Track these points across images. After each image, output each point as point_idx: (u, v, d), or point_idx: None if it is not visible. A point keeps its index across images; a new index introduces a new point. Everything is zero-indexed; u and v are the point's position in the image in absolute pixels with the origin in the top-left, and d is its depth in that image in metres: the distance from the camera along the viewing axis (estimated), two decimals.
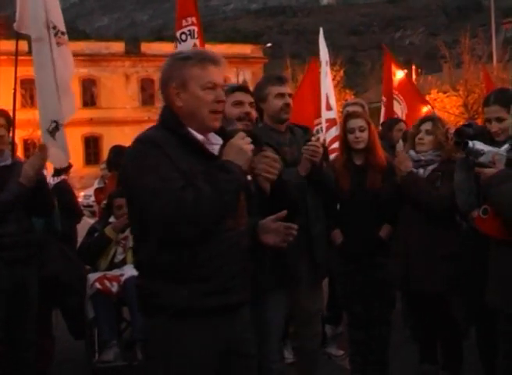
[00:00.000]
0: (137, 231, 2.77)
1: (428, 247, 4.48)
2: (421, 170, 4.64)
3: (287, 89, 4.37)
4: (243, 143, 2.67)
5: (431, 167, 4.63)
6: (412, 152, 4.71)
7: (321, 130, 7.86)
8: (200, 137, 2.76)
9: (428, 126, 4.70)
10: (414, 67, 42.38)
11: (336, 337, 5.99)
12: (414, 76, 35.66)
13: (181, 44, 6.27)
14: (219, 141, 2.82)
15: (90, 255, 5.64)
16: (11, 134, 4.75)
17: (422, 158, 4.65)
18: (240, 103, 3.85)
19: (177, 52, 2.99)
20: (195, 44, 6.16)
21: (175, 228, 2.53)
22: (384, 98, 9.15)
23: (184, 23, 6.27)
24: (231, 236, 2.73)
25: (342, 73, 39.68)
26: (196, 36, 6.23)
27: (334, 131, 7.47)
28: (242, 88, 4.02)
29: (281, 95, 4.32)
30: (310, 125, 7.38)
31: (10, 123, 4.52)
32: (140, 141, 2.70)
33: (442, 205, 4.45)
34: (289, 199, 3.32)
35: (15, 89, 5.56)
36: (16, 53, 5.27)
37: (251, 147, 2.71)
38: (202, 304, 2.64)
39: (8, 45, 41.62)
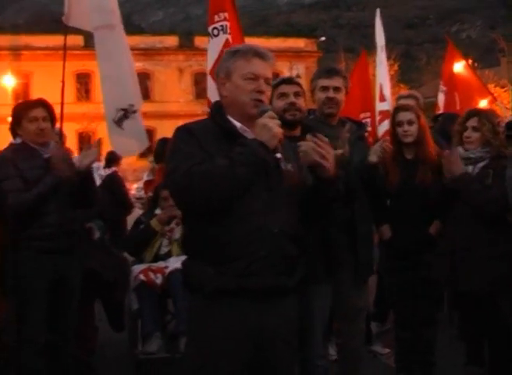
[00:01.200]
0: (182, 214, 2.99)
1: (477, 246, 4.32)
2: (470, 168, 4.46)
3: (335, 82, 4.29)
4: (268, 121, 2.73)
5: (480, 164, 4.46)
6: (460, 150, 4.53)
7: (368, 125, 7.73)
8: (238, 124, 2.87)
9: (474, 122, 4.50)
10: (471, 61, 41.50)
11: (382, 335, 5.90)
12: None
13: (213, 39, 6.28)
14: None
15: (135, 247, 5.67)
16: (58, 127, 4.79)
17: (471, 155, 4.48)
18: (284, 95, 3.93)
19: (230, 48, 3.19)
20: (227, 40, 6.14)
21: (188, 198, 2.69)
22: (444, 87, 8.99)
23: (216, 18, 6.25)
24: (258, 218, 2.73)
25: (396, 67, 39.17)
26: (228, 31, 6.19)
27: (387, 124, 7.31)
28: (286, 80, 4.08)
29: (325, 88, 4.27)
30: (356, 118, 7.28)
31: (53, 115, 4.55)
32: (176, 129, 2.92)
33: (496, 207, 4.27)
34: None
35: (63, 82, 5.61)
36: (65, 47, 5.32)
37: (278, 124, 2.75)
38: (224, 284, 2.70)
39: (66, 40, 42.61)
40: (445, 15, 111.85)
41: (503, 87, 33.95)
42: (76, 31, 5.62)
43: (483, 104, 9.92)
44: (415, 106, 5.15)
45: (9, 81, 40.16)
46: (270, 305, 2.78)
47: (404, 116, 4.69)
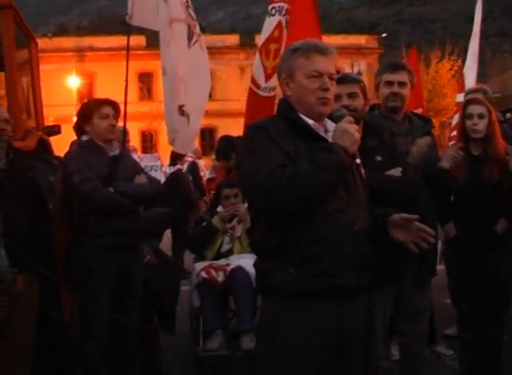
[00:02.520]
0: (252, 214, 2.98)
1: None
2: None
3: (400, 77, 4.24)
4: (348, 126, 2.73)
5: None
6: None
7: None
8: (310, 121, 2.85)
9: None
10: None
11: (447, 336, 5.77)
12: None
13: (269, 19, 6.23)
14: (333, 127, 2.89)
15: (197, 245, 5.70)
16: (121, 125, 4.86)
17: None
18: (337, 97, 3.77)
19: (289, 46, 3.11)
20: (279, 21, 6.08)
21: (272, 203, 2.65)
22: None
23: None
24: (340, 217, 2.74)
25: (460, 62, 38.38)
26: (283, 13, 6.11)
27: (458, 117, 7.14)
28: (339, 80, 3.98)
29: (390, 83, 4.21)
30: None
31: (119, 114, 4.62)
32: (249, 127, 2.93)
33: None
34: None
35: (126, 82, 5.68)
36: (128, 46, 5.37)
37: (357, 129, 2.74)
38: (309, 285, 2.68)
39: (126, 41, 43.30)
40: (510, 8, 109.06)
41: None
42: (139, 32, 5.69)
43: None
44: (488, 101, 5.01)
45: (74, 82, 41.14)
46: (349, 304, 2.78)
47: (475, 109, 4.57)
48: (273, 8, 6.22)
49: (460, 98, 7.57)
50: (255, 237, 2.89)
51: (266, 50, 6.03)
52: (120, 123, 4.91)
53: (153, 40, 34.91)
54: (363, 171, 2.91)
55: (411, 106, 7.44)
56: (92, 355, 4.28)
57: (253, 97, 6.40)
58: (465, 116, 4.61)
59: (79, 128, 4.55)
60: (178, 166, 9.49)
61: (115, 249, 4.32)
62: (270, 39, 6.16)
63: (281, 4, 6.18)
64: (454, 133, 6.63)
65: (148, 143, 43.22)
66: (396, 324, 4.51)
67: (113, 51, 42.39)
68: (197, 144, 44.73)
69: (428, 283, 4.41)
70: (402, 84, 4.24)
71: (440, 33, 70.72)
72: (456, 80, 38.10)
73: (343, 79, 3.90)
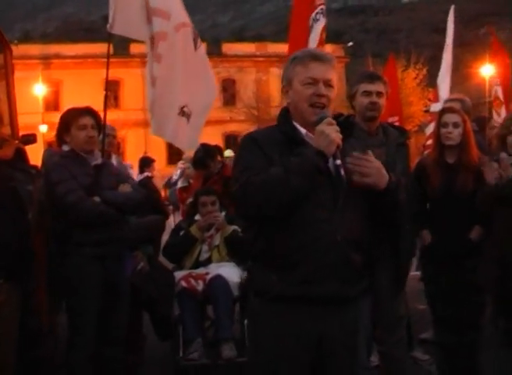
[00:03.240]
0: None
1: None
2: None
3: (377, 87, 4.29)
4: (325, 127, 2.72)
5: None
6: (504, 155, 4.48)
7: None
8: (303, 130, 2.88)
9: None
10: None
11: (423, 341, 5.85)
12: None
13: (316, 23, 6.21)
14: None
15: (175, 254, 5.70)
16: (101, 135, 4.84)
17: None
18: (367, 93, 4.21)
19: (292, 54, 3.13)
20: (324, 26, 6.21)
21: (245, 209, 2.76)
22: (498, 80, 9.03)
23: (318, 1, 6.23)
24: (322, 226, 2.74)
25: (425, 71, 38.92)
26: (324, 14, 6.23)
27: (433, 126, 7.23)
28: (369, 77, 4.30)
29: (368, 93, 4.25)
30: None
31: (100, 123, 4.60)
32: (242, 138, 3.00)
33: None
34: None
35: (106, 90, 5.67)
36: (108, 54, 5.34)
37: (336, 130, 2.74)
38: (289, 291, 2.72)
39: (93, 48, 43.03)
40: (472, 18, 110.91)
41: None
42: (105, 39, 5.65)
43: None
44: (462, 110, 5.11)
45: (40, 90, 40.70)
46: (330, 312, 2.79)
47: (450, 117, 4.67)
48: (317, 13, 6.24)
49: (435, 107, 7.69)
50: (248, 243, 2.97)
51: None
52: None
53: (120, 48, 34.78)
54: (343, 172, 2.83)
55: (387, 114, 7.55)
56: (79, 364, 4.26)
57: None
58: (440, 125, 4.71)
59: (60, 137, 4.53)
60: (146, 174, 9.43)
61: (101, 258, 4.31)
62: (321, 43, 6.21)
63: (322, 6, 6.25)
64: (430, 142, 6.74)
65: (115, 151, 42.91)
66: (376, 332, 4.57)
67: (80, 58, 42.18)
68: (164, 152, 44.52)
69: (402, 291, 4.46)
70: (379, 94, 4.29)
71: (405, 42, 71.58)
72: (421, 89, 38.65)
73: (372, 77, 4.19)
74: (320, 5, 6.23)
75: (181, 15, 5.42)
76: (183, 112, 5.33)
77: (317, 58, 2.90)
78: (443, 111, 4.84)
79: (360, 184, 2.82)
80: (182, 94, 5.32)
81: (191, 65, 5.48)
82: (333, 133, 2.72)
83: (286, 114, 2.96)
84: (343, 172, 2.83)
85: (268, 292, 2.76)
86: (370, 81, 4.29)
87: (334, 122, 2.77)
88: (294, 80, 2.90)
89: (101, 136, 4.86)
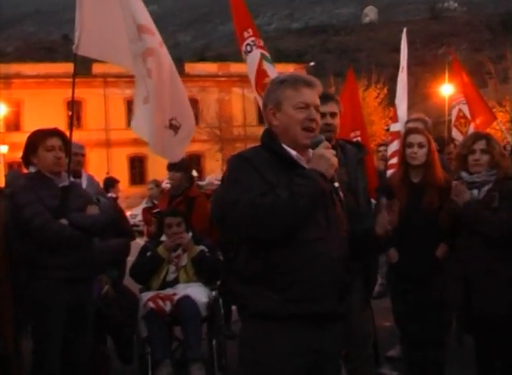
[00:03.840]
0: (231, 240, 2.99)
1: (490, 270, 4.32)
2: (475, 191, 4.46)
3: (331, 108, 4.27)
4: (325, 151, 2.82)
5: (486, 188, 4.45)
6: (464, 174, 4.54)
7: None
8: (293, 152, 2.91)
9: (482, 145, 4.49)
10: None
11: (389, 358, 5.90)
12: None
13: (249, 55, 6.30)
14: None
15: (142, 275, 5.68)
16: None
17: (477, 179, 4.48)
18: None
19: (275, 78, 3.22)
20: (260, 55, 6.21)
21: (250, 231, 2.71)
22: (463, 99, 9.21)
23: (246, 34, 6.30)
24: (319, 245, 2.80)
25: (386, 90, 39.53)
26: (257, 46, 6.26)
27: (395, 145, 7.20)
28: (323, 98, 4.11)
29: (322, 115, 4.23)
30: (347, 138, 7.30)
31: (67, 143, 4.59)
32: (232, 158, 2.99)
33: (505, 231, 4.28)
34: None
35: (72, 111, 5.64)
36: (74, 75, 5.30)
37: (334, 154, 2.84)
38: (288, 310, 2.75)
39: (54, 68, 42.73)
40: (431, 38, 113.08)
41: (491, 108, 34.25)
42: (65, 59, 5.61)
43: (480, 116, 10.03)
44: (426, 130, 5.21)
45: (0, 110, 40.21)
46: (325, 330, 2.85)
47: (415, 138, 4.76)
48: (247, 44, 6.30)
49: (395, 127, 7.80)
50: (237, 262, 2.90)
51: (261, 85, 6.08)
52: None
53: (82, 68, 34.56)
54: (342, 194, 2.97)
55: (349, 129, 7.62)
56: None
57: None
58: (405, 145, 4.80)
59: (26, 159, 4.49)
60: (111, 195, 9.36)
61: (69, 281, 4.27)
62: (260, 74, 6.23)
63: (252, 38, 6.29)
64: (392, 160, 6.83)
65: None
66: (345, 349, 4.60)
67: (41, 78, 41.80)
68: (126, 173, 44.12)
69: (368, 308, 4.51)
70: (333, 115, 4.29)
71: (365, 61, 72.58)
72: (382, 108, 39.23)
73: (326, 98, 4.07)
74: (249, 37, 6.29)
75: (157, 36, 5.44)
76: (170, 125, 5.33)
77: (309, 84, 2.97)
78: (408, 131, 4.93)
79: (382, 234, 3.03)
80: (170, 107, 5.33)
81: (176, 80, 5.50)
82: (332, 157, 2.82)
83: (272, 136, 2.97)
84: (341, 193, 2.97)
85: (267, 312, 2.77)
86: (323, 102, 4.24)
87: (330, 145, 2.88)
88: (285, 104, 2.93)
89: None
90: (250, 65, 6.32)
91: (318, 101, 2.97)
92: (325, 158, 2.80)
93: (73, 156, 6.42)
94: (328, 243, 2.83)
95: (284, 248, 2.76)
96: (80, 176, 6.33)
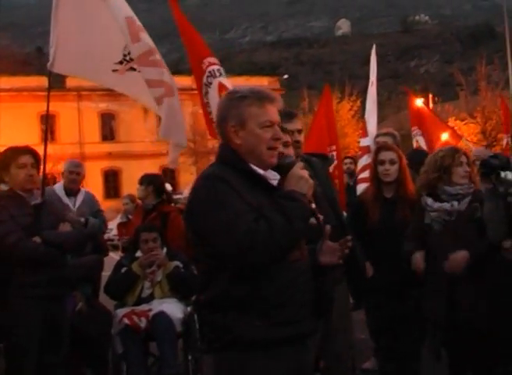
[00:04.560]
0: (208, 267, 2.78)
1: (473, 281, 4.32)
2: (455, 203, 4.45)
3: (297, 125, 4.28)
4: (302, 172, 2.76)
5: (466, 199, 4.46)
6: (448, 187, 4.49)
7: (334, 157, 7.80)
8: (261, 171, 2.82)
9: (464, 158, 4.53)
10: (430, 96, 42.43)
11: (365, 371, 5.93)
12: (430, 105, 35.66)
13: (211, 88, 5.96)
14: (276, 176, 2.87)
15: (117, 291, 5.65)
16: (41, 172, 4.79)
17: (460, 191, 4.48)
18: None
19: (233, 91, 3.04)
20: (220, 83, 5.92)
21: (251, 258, 2.58)
22: (419, 130, 9.42)
23: (203, 66, 5.99)
24: (299, 266, 2.77)
25: (359, 103, 39.85)
26: (217, 74, 5.97)
27: (365, 160, 7.28)
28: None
29: (289, 132, 4.26)
30: (325, 152, 7.34)
31: (39, 161, 4.58)
32: (206, 177, 2.79)
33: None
34: None
35: (46, 125, 5.62)
36: (49, 89, 5.26)
37: (310, 174, 2.78)
38: (274, 334, 2.68)
39: (28, 82, 42.45)
40: (403, 51, 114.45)
41: (462, 120, 34.68)
42: (39, 73, 5.60)
43: (444, 137, 10.27)
44: (396, 146, 5.27)
45: None
46: (304, 347, 2.83)
47: (386, 155, 4.82)
48: (207, 77, 5.97)
49: (365, 142, 7.87)
50: (214, 290, 2.73)
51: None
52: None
53: (56, 81, 34.38)
54: (320, 216, 2.84)
55: (326, 143, 7.69)
56: None
57: None
58: (377, 162, 4.86)
59: None
60: None
61: (43, 299, 4.26)
62: (220, 89, 6.03)
63: (210, 68, 5.99)
64: (362, 175, 6.90)
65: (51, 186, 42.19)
66: (321, 362, 4.62)
67: (15, 91, 41.48)
68: (101, 186, 43.85)
69: (348, 322, 4.53)
70: (300, 132, 4.30)
71: (339, 74, 73.22)
72: (356, 120, 39.52)
73: (290, 115, 4.08)
74: (207, 67, 5.98)
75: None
76: None
77: (272, 101, 2.86)
78: (379, 148, 4.99)
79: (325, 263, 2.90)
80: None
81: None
82: (309, 177, 2.76)
83: (237, 154, 2.83)
84: (320, 216, 2.84)
85: (252, 339, 2.66)
86: (289, 120, 4.22)
87: (303, 166, 2.84)
88: (250, 122, 2.80)
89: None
90: (211, 99, 5.93)
91: (279, 118, 2.88)
92: (305, 179, 2.74)
93: (68, 174, 6.45)
94: (304, 263, 2.81)
95: (269, 271, 2.68)
96: (75, 194, 6.33)
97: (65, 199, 6.16)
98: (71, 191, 6.41)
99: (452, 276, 4.34)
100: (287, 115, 4.27)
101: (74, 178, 6.37)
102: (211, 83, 5.97)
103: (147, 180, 6.66)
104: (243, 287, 2.67)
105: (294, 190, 2.71)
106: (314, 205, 2.79)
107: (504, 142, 12.67)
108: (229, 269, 2.68)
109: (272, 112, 2.84)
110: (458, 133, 11.79)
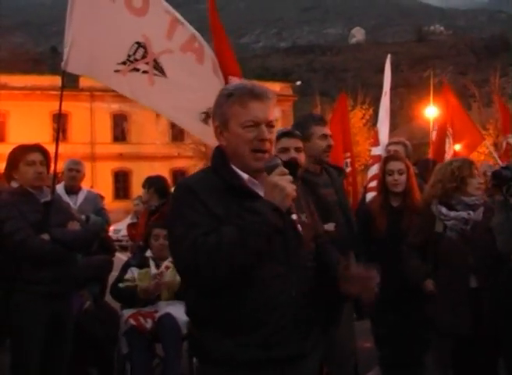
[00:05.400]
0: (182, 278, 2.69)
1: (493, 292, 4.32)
2: (471, 213, 4.44)
3: (329, 130, 4.39)
4: (279, 179, 2.44)
5: (481, 209, 4.47)
6: (465, 198, 4.49)
7: (348, 165, 7.83)
8: (245, 176, 2.58)
9: (476, 170, 4.54)
10: None
11: None
12: None
13: None
14: None
15: (124, 302, 5.63)
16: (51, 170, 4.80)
17: (477, 202, 4.49)
18: (285, 150, 3.90)
19: (224, 88, 2.79)
20: None
21: (196, 273, 2.39)
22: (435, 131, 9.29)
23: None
24: (280, 283, 2.49)
25: (371, 111, 39.80)
26: None
27: (375, 168, 7.23)
28: (288, 134, 4.06)
29: (325, 136, 4.32)
30: (340, 159, 7.36)
31: (49, 159, 4.59)
32: (177, 186, 2.65)
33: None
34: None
35: (58, 124, 5.62)
36: (62, 88, 5.28)
37: (290, 180, 2.46)
38: (248, 356, 2.46)
39: (41, 81, 42.60)
40: (417, 61, 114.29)
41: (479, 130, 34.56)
42: (52, 72, 5.59)
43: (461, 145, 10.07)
44: (404, 156, 5.29)
45: None
46: (292, 370, 2.56)
47: (395, 165, 4.84)
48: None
49: (376, 151, 7.87)
50: (187, 303, 2.66)
51: None
52: None
53: (69, 81, 34.47)
54: (300, 228, 2.61)
55: (341, 150, 7.71)
56: None
57: None
58: (385, 172, 4.87)
59: (8, 174, 4.50)
60: None
61: (49, 296, 4.27)
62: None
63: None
64: (372, 184, 6.90)
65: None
66: (324, 368, 4.60)
67: (28, 90, 41.63)
68: (111, 187, 43.96)
69: (352, 328, 4.53)
70: (331, 136, 4.41)
71: (351, 82, 73.16)
72: (367, 129, 39.46)
73: (292, 133, 4.05)
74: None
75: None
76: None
77: (257, 96, 2.57)
78: (388, 159, 5.01)
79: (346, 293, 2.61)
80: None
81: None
82: (288, 185, 2.43)
83: (222, 156, 2.63)
84: (300, 227, 2.61)
85: (222, 359, 2.47)
86: (325, 124, 4.38)
87: (286, 171, 2.48)
88: (231, 122, 2.57)
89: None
90: None
91: (270, 116, 2.59)
92: (279, 187, 2.41)
93: (67, 172, 6.47)
94: (288, 280, 2.51)
95: (237, 287, 2.44)
96: (77, 192, 6.35)
97: (66, 198, 6.16)
98: (71, 190, 6.44)
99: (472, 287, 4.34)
100: (322, 119, 4.36)
101: (74, 175, 6.40)
102: None
103: (148, 182, 6.71)
104: (207, 304, 2.50)
105: (265, 200, 2.44)
106: (294, 216, 2.53)
107: (504, 144, 12.42)
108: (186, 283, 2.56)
109: (258, 110, 2.56)
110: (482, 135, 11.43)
